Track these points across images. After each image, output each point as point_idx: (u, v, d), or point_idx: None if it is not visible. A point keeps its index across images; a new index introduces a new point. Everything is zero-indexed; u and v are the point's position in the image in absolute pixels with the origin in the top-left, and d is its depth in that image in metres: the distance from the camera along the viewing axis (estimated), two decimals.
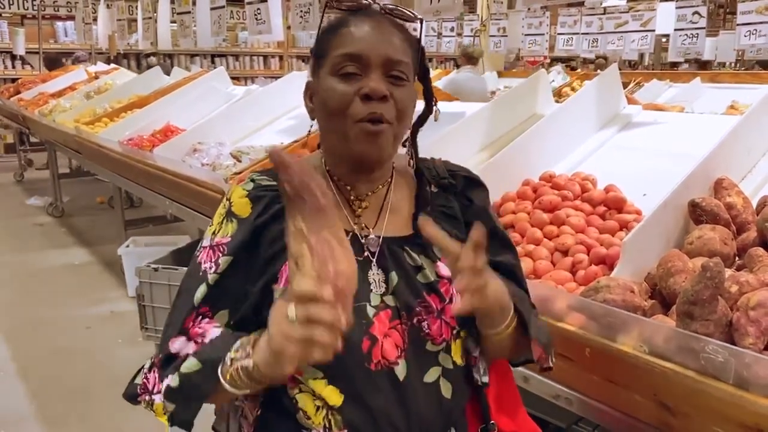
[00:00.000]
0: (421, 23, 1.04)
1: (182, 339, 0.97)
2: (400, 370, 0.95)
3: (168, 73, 5.27)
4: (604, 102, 2.08)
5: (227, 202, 1.01)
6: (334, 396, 0.94)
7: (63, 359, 3.34)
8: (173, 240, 4.13)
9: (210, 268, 0.97)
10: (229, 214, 0.99)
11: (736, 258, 1.32)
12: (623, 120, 2.09)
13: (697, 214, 1.38)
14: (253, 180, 1.02)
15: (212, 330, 0.96)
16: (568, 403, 1.33)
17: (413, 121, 1.05)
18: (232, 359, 0.88)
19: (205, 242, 1.00)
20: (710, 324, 1.02)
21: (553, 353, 1.08)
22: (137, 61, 10.04)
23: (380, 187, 1.04)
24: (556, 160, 1.94)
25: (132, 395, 1.02)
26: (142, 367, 1.03)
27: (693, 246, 1.30)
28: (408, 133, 1.05)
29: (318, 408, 0.95)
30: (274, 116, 3.50)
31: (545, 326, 1.09)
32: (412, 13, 1.03)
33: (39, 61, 8.75)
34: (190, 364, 0.93)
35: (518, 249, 1.57)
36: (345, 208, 1.02)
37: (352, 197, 1.03)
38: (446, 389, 1.00)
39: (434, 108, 1.08)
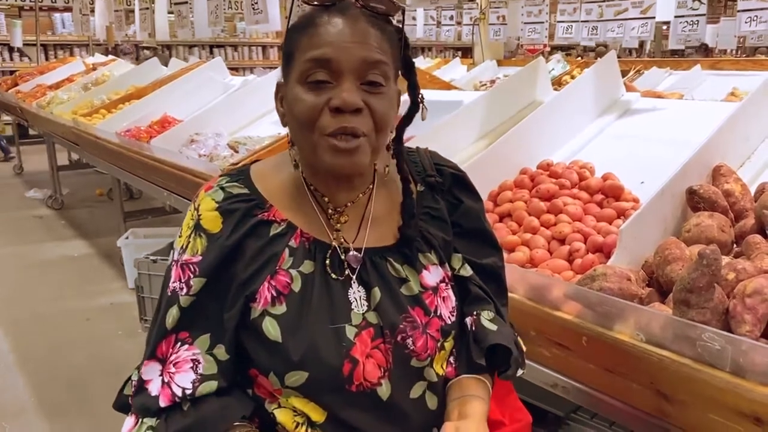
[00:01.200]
0: (403, 13, 0.94)
1: (156, 367, 0.91)
2: (383, 391, 0.91)
3: (166, 64, 5.25)
4: (603, 89, 2.06)
5: (195, 212, 0.93)
6: (316, 413, 0.91)
7: (63, 351, 3.34)
8: (172, 231, 4.12)
9: (181, 288, 0.90)
10: (198, 228, 0.91)
11: (734, 245, 1.31)
12: (622, 107, 2.07)
13: (695, 201, 1.37)
14: (222, 188, 0.94)
15: (185, 370, 0.89)
16: (565, 391, 1.33)
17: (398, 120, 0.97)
18: None
19: (175, 255, 0.93)
20: (707, 312, 1.01)
21: (521, 365, 1.06)
22: (135, 52, 10.01)
23: (360, 195, 0.98)
24: (554, 148, 1.93)
25: (123, 405, 0.99)
26: (130, 378, 0.99)
27: (690, 233, 1.29)
28: (391, 135, 0.96)
29: (298, 424, 0.91)
30: (272, 106, 3.47)
31: (518, 354, 1.04)
32: (392, 2, 0.91)
33: (37, 52, 8.73)
34: None
35: (515, 237, 1.56)
36: (323, 219, 0.96)
37: (330, 210, 0.96)
38: (432, 402, 0.97)
39: (421, 106, 0.98)
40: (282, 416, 0.91)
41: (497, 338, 0.99)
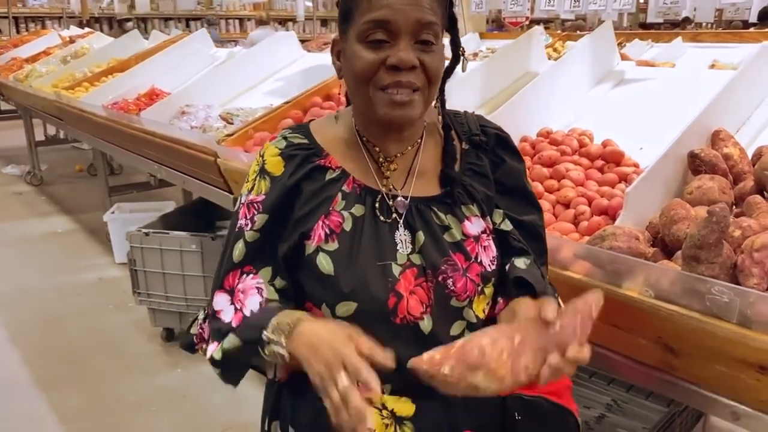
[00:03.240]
0: None
1: (225, 297, 1.00)
2: (425, 325, 0.97)
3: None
4: (599, 58, 2.10)
5: (260, 158, 1.03)
6: None
7: (55, 326, 3.34)
8: (158, 206, 4.11)
9: (246, 225, 1.00)
10: (263, 172, 1.02)
11: (734, 206, 1.36)
12: (617, 76, 2.11)
13: (696, 164, 1.41)
14: (285, 137, 1.04)
15: (252, 294, 0.99)
16: None
17: None
18: (269, 339, 0.91)
19: (242, 199, 1.03)
20: (716, 266, 1.06)
21: None
22: (110, 25, 9.81)
23: (409, 148, 1.04)
24: (552, 116, 1.96)
25: (189, 344, 1.07)
26: (196, 318, 1.07)
27: (693, 195, 1.34)
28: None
29: None
30: (261, 78, 3.46)
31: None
32: None
33: (9, 25, 8.50)
34: (232, 342, 0.97)
35: None
36: (373, 168, 1.03)
37: (381, 159, 1.03)
38: None
39: (462, 58, 1.05)
40: None
41: (526, 274, 1.03)
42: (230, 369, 1.01)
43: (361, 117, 1.03)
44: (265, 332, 0.92)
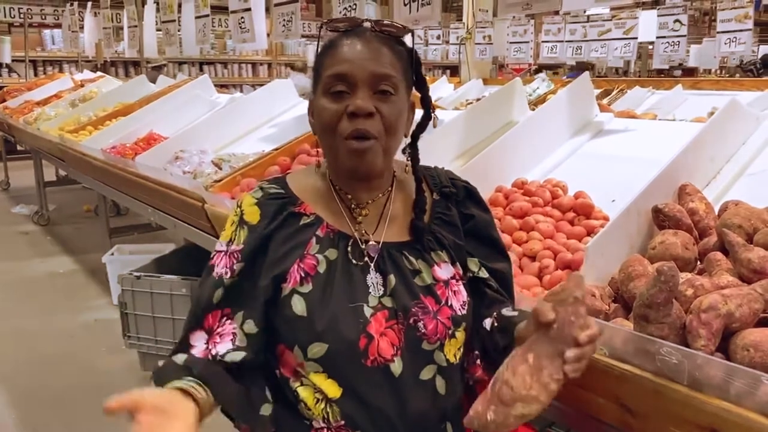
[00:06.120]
0: (412, 35, 1.09)
1: (202, 335, 1.04)
2: (396, 367, 1.00)
3: (154, 81, 5.28)
4: (577, 109, 2.11)
5: (239, 209, 1.09)
6: (332, 389, 1.00)
7: (46, 367, 3.33)
8: (158, 248, 4.12)
9: (226, 273, 1.04)
10: (241, 222, 1.07)
11: (698, 262, 1.34)
12: (596, 127, 2.12)
13: (660, 219, 1.40)
14: (261, 188, 1.10)
15: (226, 340, 1.02)
16: None
17: (413, 129, 1.11)
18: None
19: (220, 247, 1.07)
20: (665, 327, 1.04)
21: None
22: (125, 69, 10.05)
23: (380, 195, 1.10)
24: (529, 166, 1.97)
25: None
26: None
27: (655, 251, 1.32)
28: (407, 141, 1.11)
29: (317, 400, 1.01)
30: (257, 124, 3.51)
31: None
32: (402, 26, 1.07)
33: (25, 68, 8.74)
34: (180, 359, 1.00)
35: None
36: (346, 214, 1.09)
37: (352, 205, 1.09)
38: (441, 386, 1.05)
39: (433, 115, 1.13)
40: (304, 393, 1.02)
41: (524, 314, 1.03)
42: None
43: (332, 167, 1.09)
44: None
